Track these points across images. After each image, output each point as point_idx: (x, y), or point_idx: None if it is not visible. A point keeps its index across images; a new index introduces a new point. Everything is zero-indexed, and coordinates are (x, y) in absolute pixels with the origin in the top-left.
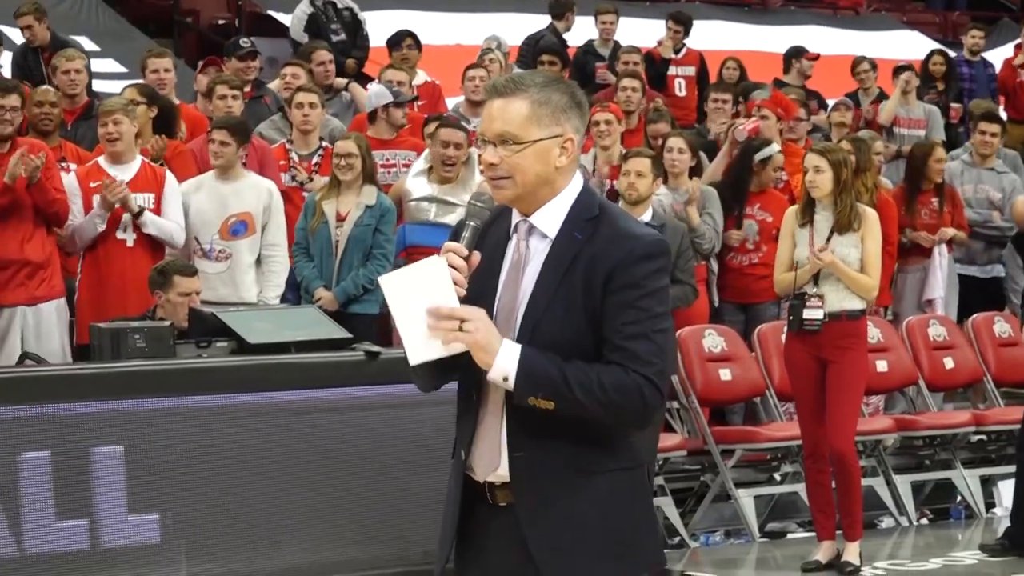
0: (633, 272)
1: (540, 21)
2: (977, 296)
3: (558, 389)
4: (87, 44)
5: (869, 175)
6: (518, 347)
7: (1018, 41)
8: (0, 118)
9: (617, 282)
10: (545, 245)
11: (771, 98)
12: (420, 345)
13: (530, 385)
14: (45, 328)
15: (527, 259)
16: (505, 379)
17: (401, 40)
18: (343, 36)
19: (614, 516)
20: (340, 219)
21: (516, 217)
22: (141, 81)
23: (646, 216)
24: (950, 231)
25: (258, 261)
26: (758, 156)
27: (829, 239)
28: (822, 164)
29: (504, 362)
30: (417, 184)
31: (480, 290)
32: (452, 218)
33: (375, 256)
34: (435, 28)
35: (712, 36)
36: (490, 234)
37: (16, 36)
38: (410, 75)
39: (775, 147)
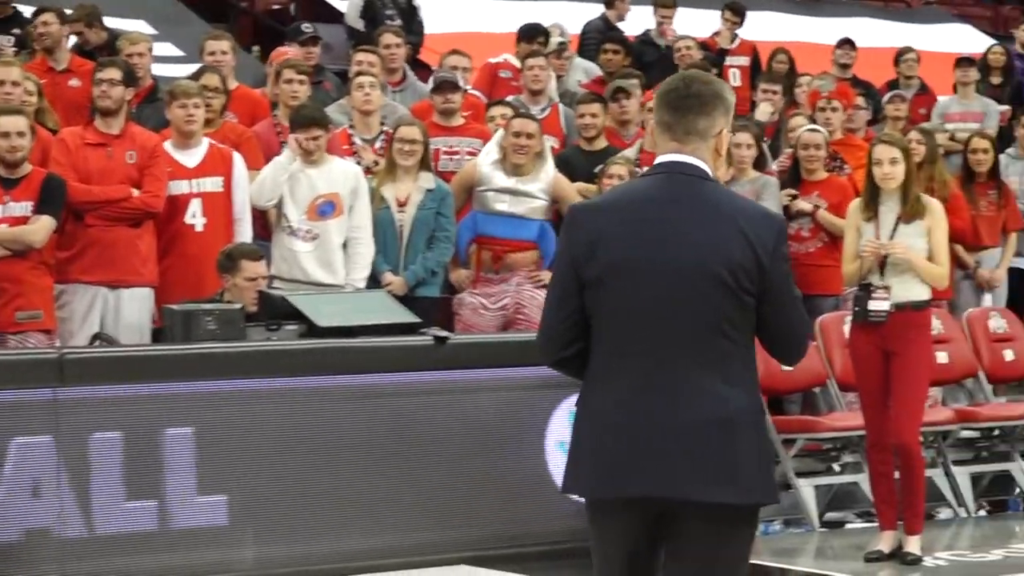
0: None
1: (595, 10)
2: (1021, 288)
3: None
4: (145, 28)
5: (938, 167)
6: None
7: None
8: (101, 92)
9: None
10: None
11: (836, 89)
12: None
13: None
14: (126, 313)
15: None
16: None
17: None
18: (398, 23)
19: None
20: (401, 204)
21: None
22: (201, 65)
23: None
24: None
25: (343, 244)
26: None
27: (895, 230)
28: (898, 155)
29: None
30: (492, 173)
31: None
32: (524, 209)
33: (439, 239)
34: (491, 15)
35: (764, 27)
36: None
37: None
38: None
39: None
